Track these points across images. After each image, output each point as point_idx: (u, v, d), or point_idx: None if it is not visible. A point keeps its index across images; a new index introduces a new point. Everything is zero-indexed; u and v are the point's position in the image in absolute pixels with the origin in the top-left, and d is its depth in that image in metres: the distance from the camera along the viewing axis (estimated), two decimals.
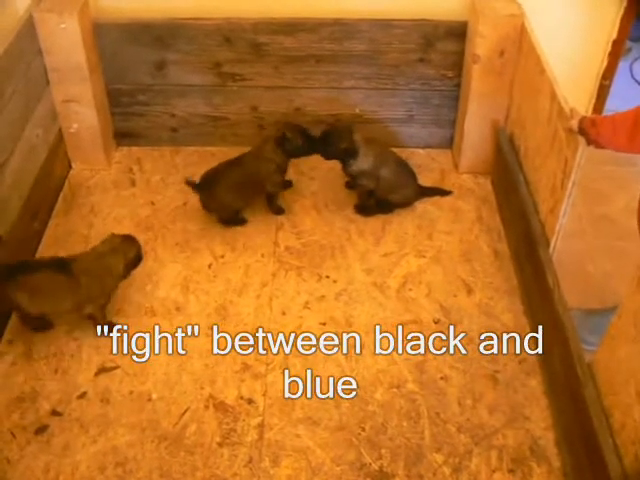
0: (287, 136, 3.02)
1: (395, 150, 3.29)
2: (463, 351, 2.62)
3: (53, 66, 3.12)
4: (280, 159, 3.06)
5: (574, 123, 2.36)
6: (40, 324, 2.67)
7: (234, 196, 3.05)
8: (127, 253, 2.66)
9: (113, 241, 2.65)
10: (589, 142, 2.31)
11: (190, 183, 3.00)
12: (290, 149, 3.04)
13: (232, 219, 3.11)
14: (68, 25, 3.01)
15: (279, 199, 3.18)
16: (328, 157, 3.07)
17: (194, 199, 3.09)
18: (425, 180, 3.32)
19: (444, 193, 3.28)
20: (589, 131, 2.29)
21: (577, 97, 2.88)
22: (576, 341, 2.27)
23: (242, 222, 3.12)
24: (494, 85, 3.12)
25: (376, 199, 3.16)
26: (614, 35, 3.31)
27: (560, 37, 3.21)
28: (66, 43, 3.06)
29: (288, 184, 3.27)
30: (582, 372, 2.17)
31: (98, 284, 2.59)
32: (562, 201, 2.49)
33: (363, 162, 3.03)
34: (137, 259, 2.72)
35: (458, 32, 3.17)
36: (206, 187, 3.02)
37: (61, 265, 2.55)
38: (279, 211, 3.17)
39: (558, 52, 2.87)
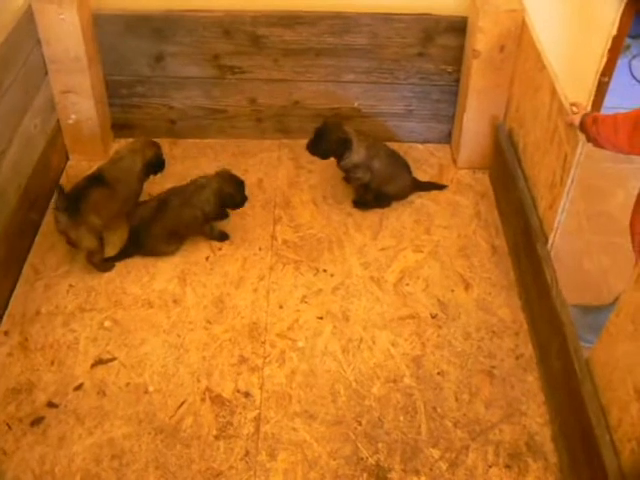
0: (227, 191, 2.92)
1: (394, 145, 3.29)
2: (460, 346, 2.62)
3: (52, 57, 3.11)
4: (211, 209, 2.93)
5: (576, 118, 2.36)
6: (106, 265, 2.89)
7: (168, 243, 2.94)
8: (145, 154, 2.97)
9: (133, 144, 3.01)
10: (588, 139, 2.30)
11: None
12: (229, 203, 2.97)
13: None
14: (67, 16, 3.00)
15: (215, 229, 3.04)
16: (324, 154, 3.06)
17: None
18: (423, 175, 3.32)
19: (440, 187, 3.28)
20: (589, 129, 2.28)
21: (576, 93, 2.87)
22: (574, 337, 2.27)
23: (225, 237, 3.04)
24: (494, 80, 3.12)
25: (373, 192, 3.15)
26: (614, 31, 3.29)
27: (559, 33, 3.20)
28: (65, 34, 3.05)
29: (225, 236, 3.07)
30: (580, 368, 2.17)
31: (126, 186, 2.91)
32: (561, 197, 2.49)
33: (356, 154, 3.02)
34: (156, 161, 3.02)
35: (458, 27, 3.16)
36: (137, 241, 2.91)
37: (98, 179, 2.87)
38: (222, 237, 3.04)
39: (557, 48, 2.86)
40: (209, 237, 3.01)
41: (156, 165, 3.05)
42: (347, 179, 3.25)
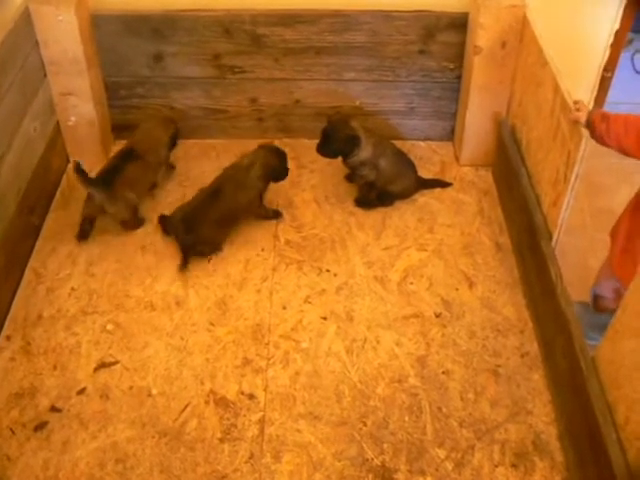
0: (272, 164, 2.99)
1: (396, 142, 3.27)
2: (465, 345, 2.60)
3: (50, 59, 3.10)
4: (263, 185, 3.01)
5: (581, 115, 2.34)
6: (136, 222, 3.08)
7: (218, 232, 2.95)
8: (168, 128, 3.22)
9: (157, 117, 3.31)
10: (593, 135, 2.28)
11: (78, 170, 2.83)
12: (275, 175, 3.04)
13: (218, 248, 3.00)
14: (65, 17, 2.98)
15: (268, 209, 3.11)
16: (334, 154, 3.05)
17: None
18: (426, 173, 3.30)
19: (444, 185, 3.27)
20: (598, 125, 2.26)
21: (578, 89, 2.86)
22: (579, 335, 2.25)
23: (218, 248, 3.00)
24: (495, 77, 3.10)
25: (376, 191, 3.14)
26: (616, 26, 3.29)
27: (562, 28, 3.18)
28: (63, 35, 3.03)
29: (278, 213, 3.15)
30: (586, 366, 2.16)
31: (155, 155, 3.12)
32: (565, 194, 2.47)
33: (364, 151, 3.01)
34: (175, 136, 3.24)
35: (459, 23, 3.14)
36: (188, 229, 2.89)
37: (130, 154, 3.04)
38: (276, 215, 3.11)
39: (559, 43, 2.84)
40: (264, 217, 3.08)
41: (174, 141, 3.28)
42: (350, 177, 3.24)
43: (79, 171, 2.79)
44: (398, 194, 3.16)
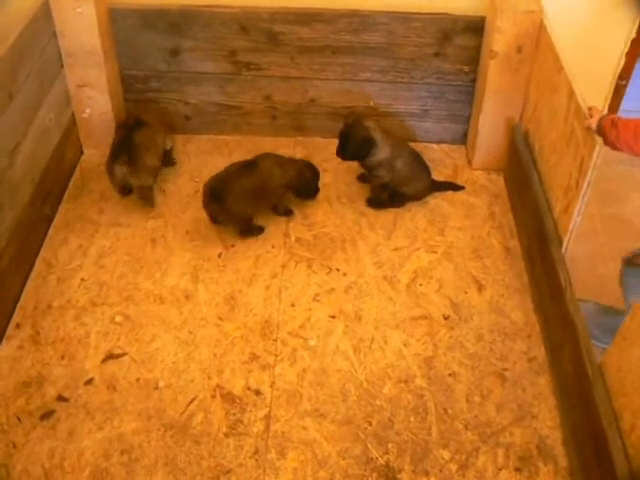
0: (306, 175, 3.07)
1: (409, 144, 3.27)
2: (472, 348, 2.61)
3: (68, 50, 3.12)
4: (295, 182, 3.05)
5: (593, 122, 2.34)
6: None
7: (244, 205, 2.95)
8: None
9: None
10: (606, 142, 2.28)
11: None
12: (302, 187, 3.10)
13: (248, 228, 3.02)
14: (84, 9, 3.00)
15: (286, 203, 3.13)
16: (351, 156, 3.05)
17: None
18: (438, 175, 3.30)
19: (457, 188, 3.27)
20: (608, 132, 2.26)
21: (593, 96, 2.86)
22: (587, 341, 2.25)
23: (259, 231, 3.04)
24: (510, 81, 3.10)
25: (390, 191, 3.14)
26: (633, 34, 3.28)
27: (578, 35, 3.19)
28: (81, 27, 3.05)
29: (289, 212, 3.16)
30: (592, 372, 2.16)
31: (161, 121, 3.31)
32: (576, 200, 2.47)
33: (381, 152, 3.01)
34: None
35: (476, 27, 3.15)
36: (215, 195, 2.92)
37: (137, 123, 3.13)
38: (287, 213, 3.12)
39: (575, 50, 2.84)
40: (276, 213, 3.10)
41: None
42: (364, 178, 3.24)
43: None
44: (411, 196, 3.17)
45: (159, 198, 3.19)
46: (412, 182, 3.13)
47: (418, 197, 3.18)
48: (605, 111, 3.48)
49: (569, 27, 2.95)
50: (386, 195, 3.16)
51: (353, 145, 3.00)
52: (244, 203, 2.92)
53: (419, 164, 3.17)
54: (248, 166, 2.97)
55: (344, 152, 3.03)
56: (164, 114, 3.41)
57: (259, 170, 2.96)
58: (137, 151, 3.03)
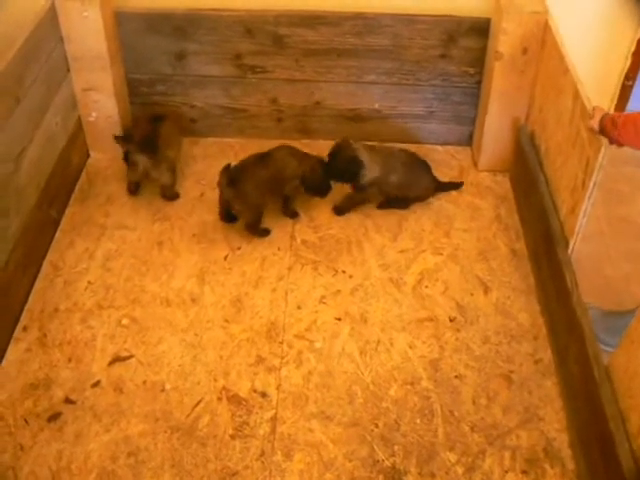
0: (319, 174, 3.06)
1: (413, 147, 3.27)
2: (478, 350, 2.60)
3: (74, 54, 3.13)
4: (308, 176, 3.05)
5: (595, 122, 2.34)
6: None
7: (257, 194, 2.96)
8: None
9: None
10: (611, 141, 2.28)
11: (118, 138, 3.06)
12: (313, 185, 3.09)
13: (257, 224, 3.03)
14: (90, 14, 3.01)
15: (294, 203, 3.15)
16: (339, 178, 3.05)
17: (211, 190, 3.07)
18: (443, 177, 3.30)
19: (456, 186, 3.27)
20: (610, 131, 2.26)
21: (599, 97, 2.86)
22: (593, 343, 2.25)
23: (265, 233, 3.05)
24: (516, 83, 3.10)
25: (394, 198, 3.15)
26: (638, 34, 3.28)
27: (583, 36, 3.19)
28: (87, 31, 3.06)
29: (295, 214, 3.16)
30: (599, 374, 2.15)
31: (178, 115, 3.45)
32: (582, 201, 2.47)
33: (370, 172, 3.00)
34: None
35: (481, 28, 3.15)
36: (230, 181, 2.92)
37: (157, 118, 3.19)
38: (293, 215, 3.13)
39: (581, 51, 2.84)
40: (283, 213, 3.13)
41: None
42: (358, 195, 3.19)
43: (123, 138, 2.99)
44: (414, 198, 3.17)
45: (163, 202, 3.21)
46: (413, 187, 3.13)
47: (422, 199, 3.18)
48: (611, 111, 3.47)
49: (574, 28, 2.95)
50: (383, 199, 3.17)
51: (340, 167, 2.99)
52: (259, 191, 2.94)
53: (417, 169, 3.15)
54: (264, 156, 3.00)
55: (332, 174, 3.03)
56: (181, 118, 3.46)
57: (274, 159, 2.98)
58: (161, 143, 3.07)
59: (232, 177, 2.90)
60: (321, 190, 3.12)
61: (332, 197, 3.17)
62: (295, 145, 3.09)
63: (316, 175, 3.05)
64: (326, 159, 3.04)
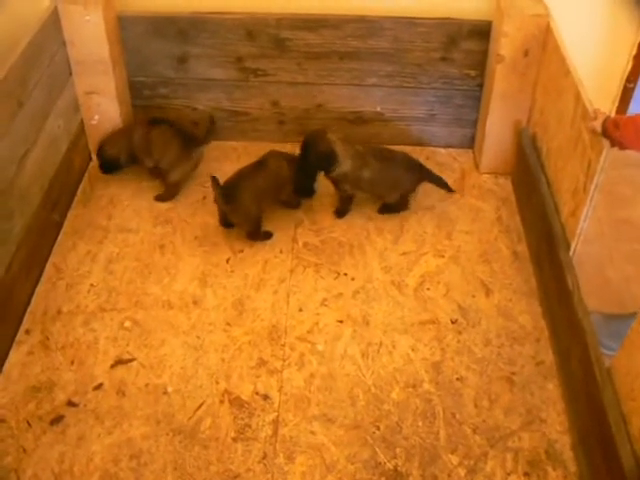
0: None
1: (415, 149, 3.29)
2: (480, 352, 2.60)
3: (76, 58, 3.14)
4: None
5: (597, 124, 2.35)
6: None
7: (254, 204, 2.96)
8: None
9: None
10: (613, 144, 2.29)
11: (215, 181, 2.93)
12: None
13: (257, 231, 3.02)
14: (93, 17, 3.02)
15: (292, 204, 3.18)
16: (312, 169, 3.04)
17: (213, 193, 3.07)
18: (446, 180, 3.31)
19: (447, 189, 3.22)
20: (612, 133, 2.26)
21: (600, 99, 2.85)
22: (595, 345, 2.25)
23: (267, 236, 3.05)
24: (517, 85, 3.10)
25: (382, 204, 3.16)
26: None
27: (585, 38, 3.19)
28: (90, 35, 3.07)
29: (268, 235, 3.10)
30: (601, 376, 2.15)
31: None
32: (584, 204, 2.47)
33: (343, 165, 2.97)
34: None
35: (482, 31, 3.15)
36: (230, 196, 2.93)
37: (181, 132, 3.23)
38: (297, 204, 3.17)
39: (582, 53, 2.84)
40: (289, 204, 3.16)
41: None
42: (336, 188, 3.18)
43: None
44: (402, 199, 3.16)
45: (165, 205, 3.22)
46: (394, 188, 3.10)
47: (410, 192, 3.17)
48: (613, 114, 3.47)
49: (576, 30, 2.95)
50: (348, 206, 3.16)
51: (314, 158, 2.96)
52: (257, 202, 2.95)
53: (394, 166, 3.09)
54: (258, 166, 3.00)
55: (305, 165, 3.00)
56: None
57: (269, 167, 2.99)
58: (157, 148, 3.16)
59: (228, 193, 2.90)
60: (305, 188, 3.14)
61: (333, 201, 3.17)
62: (297, 148, 3.09)
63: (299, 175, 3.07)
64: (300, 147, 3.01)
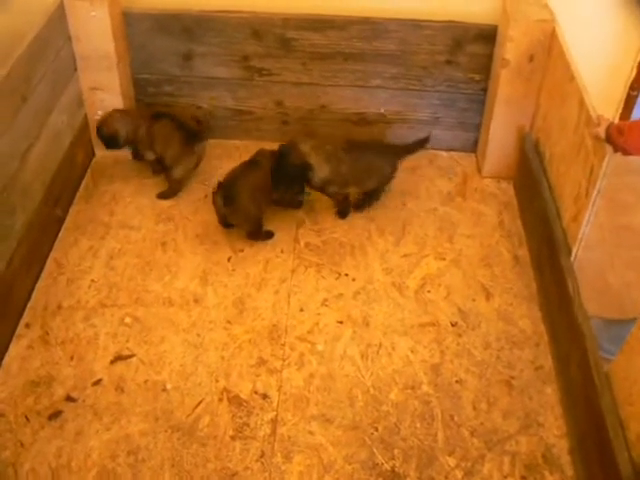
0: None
1: (419, 152, 3.28)
2: (479, 355, 2.61)
3: (81, 54, 3.14)
4: None
5: (601, 131, 2.35)
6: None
7: (253, 204, 2.97)
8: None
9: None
10: (616, 149, 2.29)
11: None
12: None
13: (258, 231, 3.03)
14: (98, 13, 3.03)
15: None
16: (288, 184, 3.01)
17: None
18: (447, 183, 3.32)
19: (423, 143, 3.22)
20: (616, 139, 2.27)
21: (604, 106, 2.86)
22: (594, 350, 2.25)
23: (269, 236, 3.05)
24: (522, 90, 3.10)
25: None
26: None
27: (589, 45, 3.19)
28: (95, 31, 3.08)
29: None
30: (599, 381, 2.15)
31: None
32: (586, 209, 2.48)
33: (320, 172, 2.97)
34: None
35: (488, 35, 3.15)
36: (226, 197, 2.93)
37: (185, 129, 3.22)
38: (299, 204, 3.17)
39: (586, 60, 2.85)
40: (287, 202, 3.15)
41: None
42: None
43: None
44: (379, 186, 3.16)
45: (167, 202, 3.22)
46: (370, 176, 3.10)
47: (386, 182, 3.17)
48: (616, 120, 3.47)
49: (581, 36, 2.95)
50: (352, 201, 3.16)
51: (290, 172, 2.94)
52: (255, 202, 2.95)
53: (366, 151, 3.11)
54: (250, 165, 3.00)
55: (281, 179, 2.97)
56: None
57: (261, 166, 2.98)
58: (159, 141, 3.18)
59: (226, 195, 2.91)
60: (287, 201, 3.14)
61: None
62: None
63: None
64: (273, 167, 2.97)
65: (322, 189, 3.06)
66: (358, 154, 3.09)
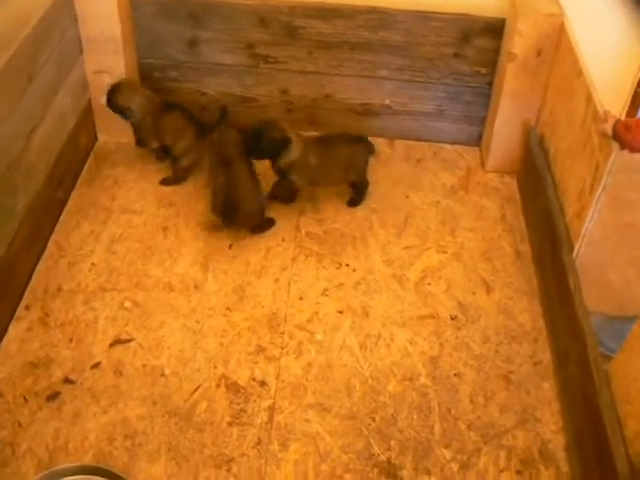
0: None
1: (422, 144, 3.28)
2: (478, 349, 2.61)
3: (87, 36, 3.12)
4: None
5: (608, 127, 2.34)
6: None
7: (256, 201, 2.98)
8: None
9: None
10: (623, 146, 2.28)
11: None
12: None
13: (261, 224, 3.02)
14: None
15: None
16: (264, 153, 2.98)
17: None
18: (451, 176, 3.31)
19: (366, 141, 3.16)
20: (624, 136, 2.26)
21: (611, 102, 2.85)
22: (594, 346, 2.25)
23: (271, 224, 3.05)
24: (528, 84, 3.09)
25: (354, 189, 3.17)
26: None
27: (598, 40, 3.17)
28: (102, 14, 3.06)
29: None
30: (598, 378, 2.15)
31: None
32: (589, 206, 2.47)
33: (294, 152, 2.94)
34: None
35: (495, 29, 3.14)
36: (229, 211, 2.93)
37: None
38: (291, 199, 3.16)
39: (595, 55, 2.84)
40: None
41: None
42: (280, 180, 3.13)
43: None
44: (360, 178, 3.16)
45: (170, 188, 3.22)
46: (344, 165, 3.09)
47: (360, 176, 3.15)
48: (623, 117, 3.46)
49: (590, 31, 2.94)
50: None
51: (268, 141, 2.92)
52: (257, 196, 2.96)
53: (336, 143, 3.09)
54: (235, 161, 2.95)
55: (255, 149, 2.95)
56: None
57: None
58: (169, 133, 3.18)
59: (226, 215, 2.93)
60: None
61: (338, 190, 3.17)
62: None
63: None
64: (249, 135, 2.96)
65: (284, 172, 3.02)
66: (328, 146, 3.07)
